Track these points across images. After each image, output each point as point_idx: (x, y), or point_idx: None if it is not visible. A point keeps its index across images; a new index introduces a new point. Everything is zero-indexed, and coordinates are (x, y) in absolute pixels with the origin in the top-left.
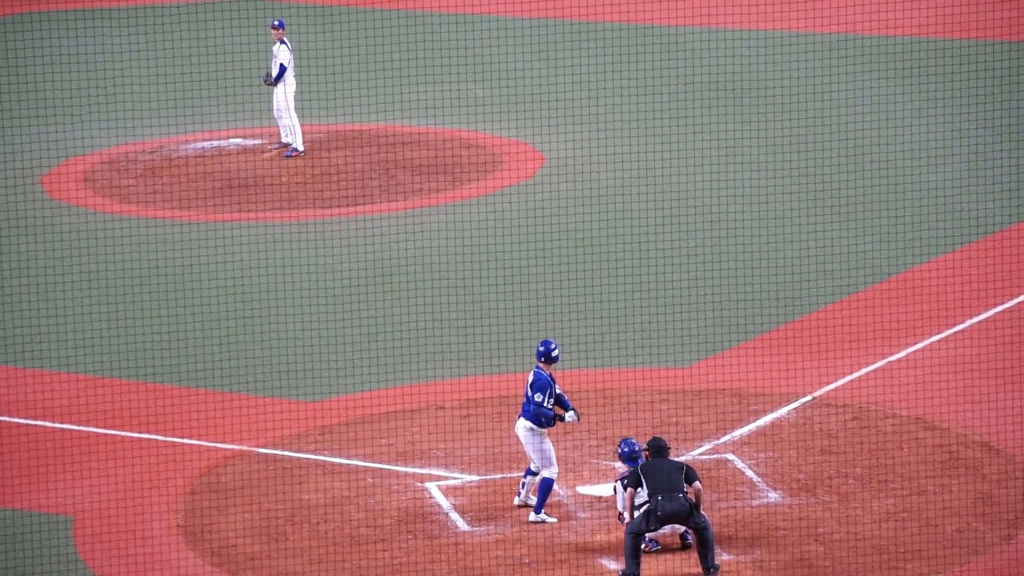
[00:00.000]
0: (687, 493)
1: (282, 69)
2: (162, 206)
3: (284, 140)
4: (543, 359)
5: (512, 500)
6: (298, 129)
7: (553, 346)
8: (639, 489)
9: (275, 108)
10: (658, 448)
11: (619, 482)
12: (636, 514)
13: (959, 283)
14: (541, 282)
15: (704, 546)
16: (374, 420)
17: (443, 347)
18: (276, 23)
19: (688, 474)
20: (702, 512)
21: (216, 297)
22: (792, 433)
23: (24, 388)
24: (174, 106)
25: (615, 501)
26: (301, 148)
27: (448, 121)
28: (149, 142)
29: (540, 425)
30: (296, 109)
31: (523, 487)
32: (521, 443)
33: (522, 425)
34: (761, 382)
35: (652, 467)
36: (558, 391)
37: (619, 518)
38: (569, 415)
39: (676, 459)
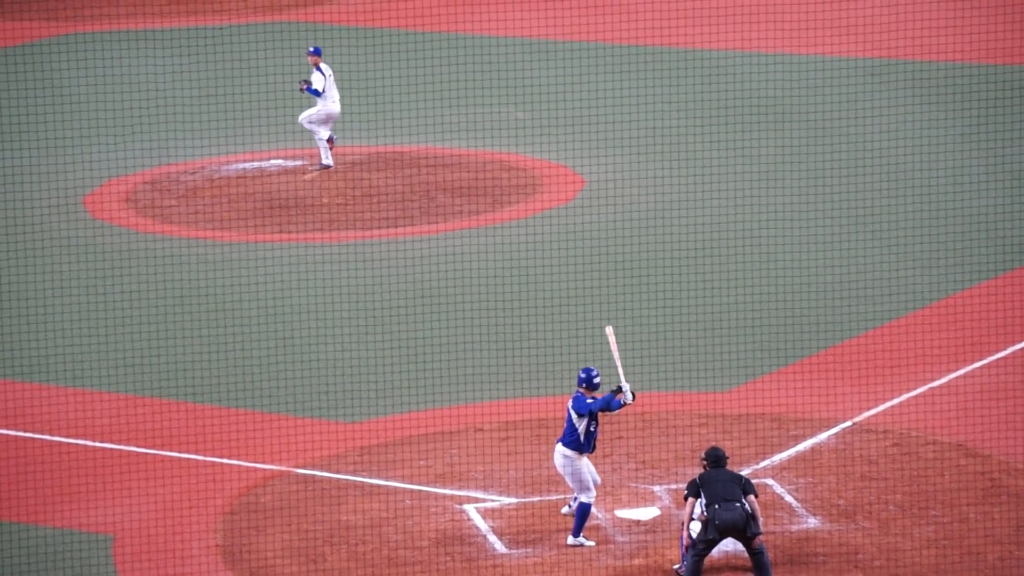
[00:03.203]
0: (744, 503)
1: (315, 93)
2: (203, 226)
3: (324, 163)
4: (584, 385)
5: (554, 519)
6: (323, 147)
7: (594, 372)
8: (698, 500)
9: (307, 120)
10: (716, 458)
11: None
12: (695, 528)
13: (1001, 309)
14: (580, 305)
15: (760, 570)
16: (413, 441)
17: (482, 369)
18: (311, 50)
19: (745, 486)
20: (760, 524)
21: (256, 317)
22: (832, 459)
23: (65, 407)
24: (216, 127)
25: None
26: (328, 162)
27: (488, 143)
28: (191, 163)
29: (579, 450)
30: (334, 130)
31: (573, 501)
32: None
33: (558, 452)
34: (801, 407)
35: (710, 477)
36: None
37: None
38: (626, 396)
39: (735, 472)
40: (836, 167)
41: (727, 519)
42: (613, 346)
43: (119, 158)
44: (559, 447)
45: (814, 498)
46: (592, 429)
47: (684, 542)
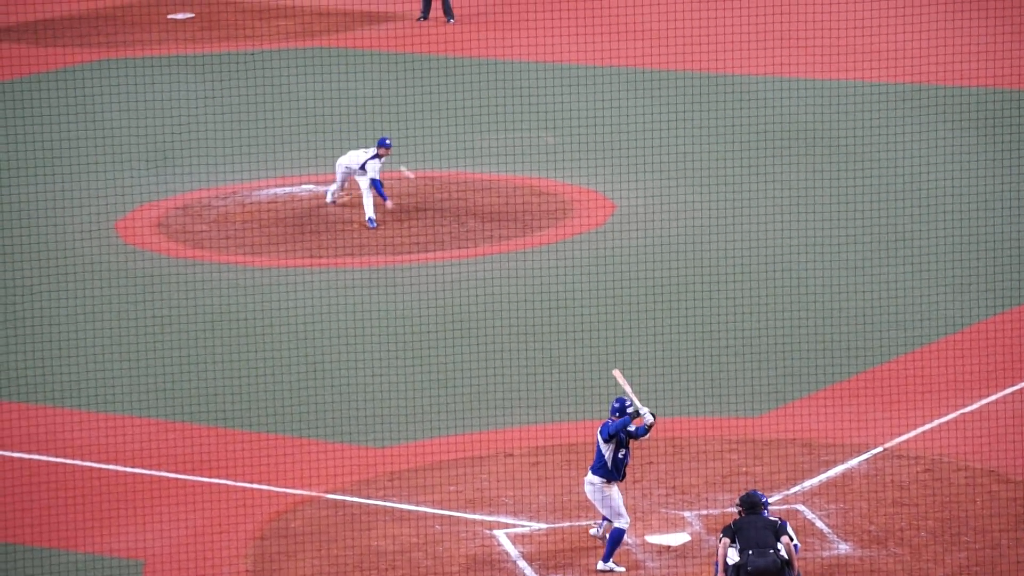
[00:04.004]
0: (779, 550)
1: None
2: (234, 251)
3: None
4: (617, 415)
5: (585, 544)
6: (368, 201)
7: (628, 402)
8: (731, 546)
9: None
10: (751, 504)
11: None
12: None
13: None
14: (611, 330)
15: None
16: (443, 467)
17: (512, 394)
18: (387, 143)
19: (778, 530)
20: (796, 569)
21: (287, 342)
22: (863, 484)
23: (97, 432)
24: (247, 152)
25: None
26: (371, 216)
27: (519, 168)
28: (222, 188)
29: (607, 478)
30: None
31: (601, 525)
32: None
33: (587, 480)
34: (832, 433)
35: (745, 523)
36: (630, 429)
37: None
38: (646, 418)
39: (770, 517)
40: (867, 192)
41: (760, 565)
42: (624, 384)
43: (151, 183)
44: (588, 475)
45: (845, 524)
46: (620, 456)
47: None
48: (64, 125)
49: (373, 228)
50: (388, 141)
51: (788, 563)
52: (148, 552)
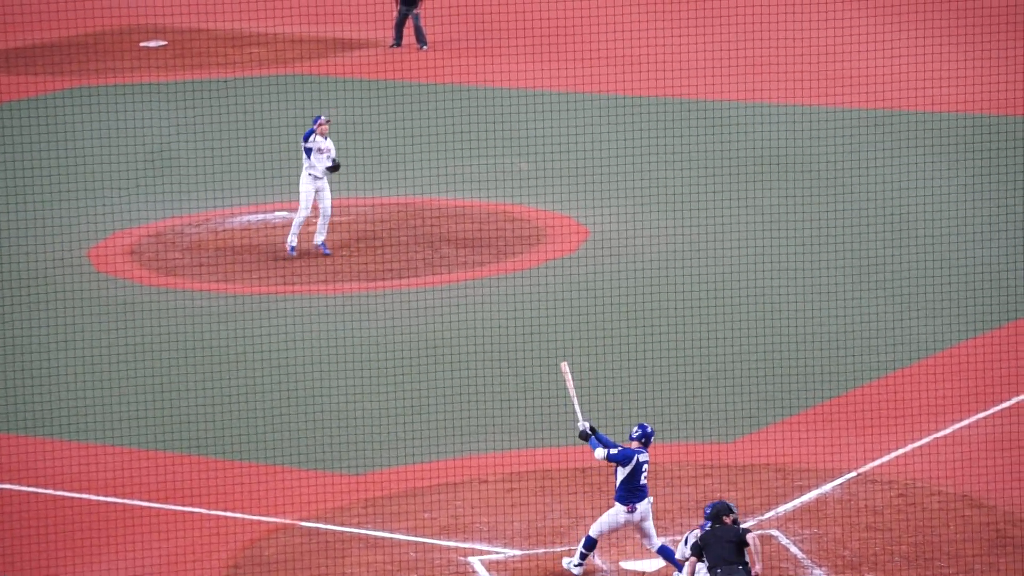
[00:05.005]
0: (747, 564)
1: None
2: (208, 279)
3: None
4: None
5: (559, 571)
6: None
7: (648, 428)
8: (700, 561)
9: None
10: (715, 515)
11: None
12: None
13: (1006, 359)
14: (585, 356)
15: None
16: (417, 493)
17: (487, 421)
18: (321, 119)
19: (741, 540)
20: (758, 564)
21: (261, 370)
22: (837, 509)
23: (69, 461)
24: (220, 179)
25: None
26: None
27: (493, 195)
28: (195, 215)
29: (620, 501)
30: (321, 191)
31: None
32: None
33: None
34: (806, 458)
35: (712, 538)
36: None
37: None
38: (580, 426)
39: (737, 528)
40: (841, 217)
41: None
42: (568, 383)
43: (124, 211)
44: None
45: (819, 549)
46: (623, 479)
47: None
48: (37, 153)
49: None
50: (322, 117)
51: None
52: None
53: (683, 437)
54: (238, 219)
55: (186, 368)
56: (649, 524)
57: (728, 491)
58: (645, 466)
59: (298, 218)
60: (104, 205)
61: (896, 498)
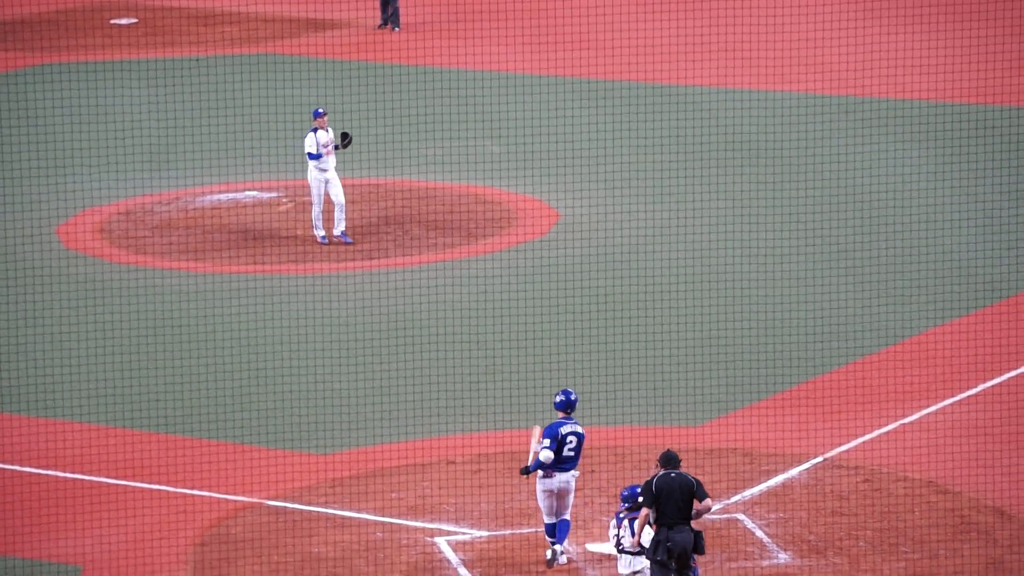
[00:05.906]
0: (692, 526)
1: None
2: (177, 257)
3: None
4: (564, 408)
5: (526, 552)
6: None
7: (573, 396)
8: (652, 510)
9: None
10: (667, 459)
11: (616, 517)
12: (646, 537)
13: (973, 347)
14: (554, 339)
15: None
16: (384, 474)
17: (455, 402)
18: (320, 112)
19: (698, 492)
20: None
21: (229, 349)
22: (803, 494)
23: (36, 437)
24: (191, 158)
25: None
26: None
27: (463, 177)
28: (165, 194)
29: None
30: (331, 182)
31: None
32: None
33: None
34: (773, 442)
35: (665, 489)
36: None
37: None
38: (542, 455)
39: (687, 475)
40: (810, 204)
41: (679, 541)
42: (533, 440)
43: (93, 188)
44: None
45: (785, 533)
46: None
47: (627, 542)
48: (5, 130)
49: (324, 244)
50: (320, 110)
51: (700, 534)
52: (86, 558)
53: (651, 421)
54: (208, 198)
55: (154, 346)
56: (570, 499)
57: (695, 474)
58: (570, 437)
59: (314, 213)
60: (73, 183)
61: (862, 483)
